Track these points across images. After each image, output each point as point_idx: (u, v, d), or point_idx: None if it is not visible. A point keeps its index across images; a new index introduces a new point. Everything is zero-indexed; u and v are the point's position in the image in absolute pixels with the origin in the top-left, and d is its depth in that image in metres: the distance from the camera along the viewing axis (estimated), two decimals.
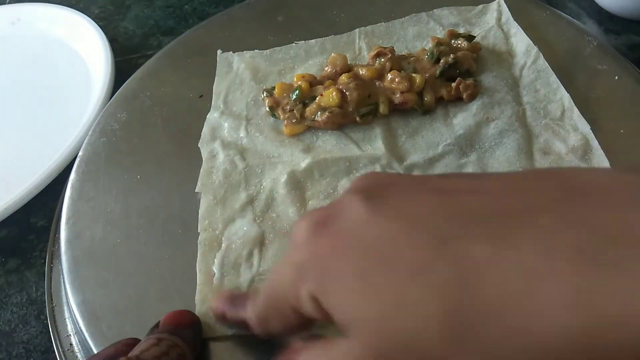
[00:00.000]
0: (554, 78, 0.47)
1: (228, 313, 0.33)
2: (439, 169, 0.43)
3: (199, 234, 0.41)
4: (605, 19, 0.63)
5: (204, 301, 0.37)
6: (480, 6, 0.54)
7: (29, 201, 0.54)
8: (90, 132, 0.51)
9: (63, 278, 0.42)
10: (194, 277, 0.39)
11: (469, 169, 0.42)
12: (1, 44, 0.77)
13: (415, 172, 0.42)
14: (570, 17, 0.54)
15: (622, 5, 0.61)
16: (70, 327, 0.43)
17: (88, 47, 0.71)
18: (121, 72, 0.64)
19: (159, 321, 0.35)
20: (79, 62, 0.71)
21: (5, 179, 0.59)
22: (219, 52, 0.55)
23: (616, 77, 0.47)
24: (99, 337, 0.37)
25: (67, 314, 0.43)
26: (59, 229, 0.45)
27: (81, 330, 0.38)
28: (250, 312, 0.30)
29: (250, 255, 0.39)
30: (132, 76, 0.56)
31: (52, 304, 0.45)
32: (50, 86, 0.71)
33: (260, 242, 0.40)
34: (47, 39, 0.76)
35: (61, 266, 0.42)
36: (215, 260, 0.39)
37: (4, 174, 0.61)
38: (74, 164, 0.49)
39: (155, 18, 0.77)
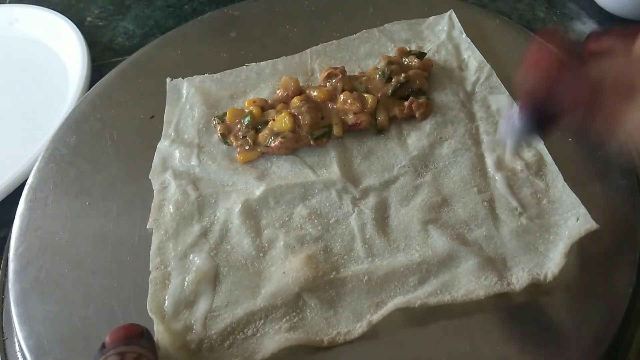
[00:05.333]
0: (507, 95, 0.47)
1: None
2: (394, 191, 0.43)
3: (149, 259, 0.40)
4: (605, 19, 0.63)
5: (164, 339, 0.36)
6: (432, 18, 0.54)
7: None
8: (39, 158, 0.50)
9: (11, 311, 0.41)
10: (144, 307, 0.38)
11: (424, 190, 0.42)
12: None
13: (371, 195, 0.42)
14: (520, 26, 0.55)
15: (622, 5, 0.61)
16: None
17: (68, 50, 0.68)
18: None
19: (104, 342, 0.33)
20: (60, 66, 0.68)
21: None
22: (168, 80, 0.53)
23: None
24: None
25: (17, 347, 0.42)
26: (8, 260, 0.43)
27: None
28: None
29: (203, 291, 0.38)
30: (82, 98, 0.55)
31: (4, 337, 0.44)
32: (33, 91, 0.68)
33: (214, 277, 0.39)
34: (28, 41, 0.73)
35: (9, 299, 0.41)
36: (167, 300, 0.38)
37: None
38: (23, 193, 0.48)
39: (155, 18, 0.76)
